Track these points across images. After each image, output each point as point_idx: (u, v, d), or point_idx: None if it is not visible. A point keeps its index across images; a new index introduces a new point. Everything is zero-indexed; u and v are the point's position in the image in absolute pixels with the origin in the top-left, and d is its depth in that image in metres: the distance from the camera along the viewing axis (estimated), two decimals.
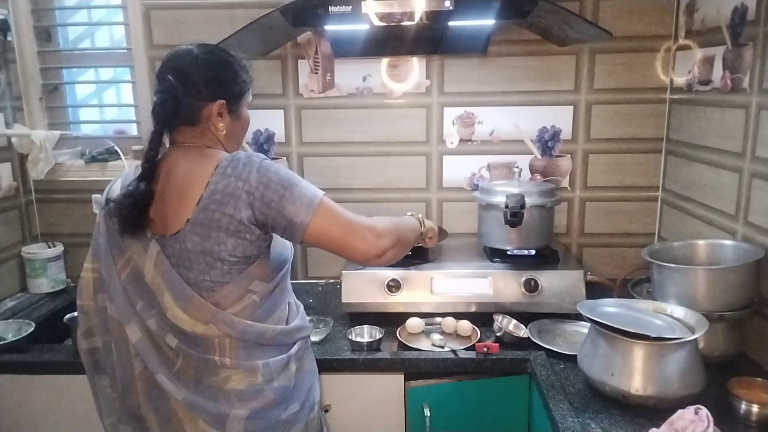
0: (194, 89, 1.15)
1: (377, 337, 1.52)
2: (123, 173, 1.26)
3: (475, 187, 2.01)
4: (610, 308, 1.31)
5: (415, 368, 1.48)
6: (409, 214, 1.41)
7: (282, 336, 1.21)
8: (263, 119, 2.01)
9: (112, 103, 2.30)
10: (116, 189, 1.20)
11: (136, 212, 1.11)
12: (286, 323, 1.24)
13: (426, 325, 1.61)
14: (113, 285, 1.16)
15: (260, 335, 1.17)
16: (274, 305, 1.21)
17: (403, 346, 1.52)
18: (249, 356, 1.16)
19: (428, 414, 1.47)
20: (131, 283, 1.16)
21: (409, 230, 1.32)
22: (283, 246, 1.24)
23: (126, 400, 1.19)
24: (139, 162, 1.16)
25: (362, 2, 1.50)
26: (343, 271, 1.69)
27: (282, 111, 2.01)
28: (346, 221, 1.14)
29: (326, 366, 1.47)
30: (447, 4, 1.51)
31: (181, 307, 1.12)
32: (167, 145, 1.21)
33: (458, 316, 1.62)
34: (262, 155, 1.15)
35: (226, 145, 1.22)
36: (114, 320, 1.17)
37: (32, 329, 1.62)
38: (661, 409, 1.12)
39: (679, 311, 1.27)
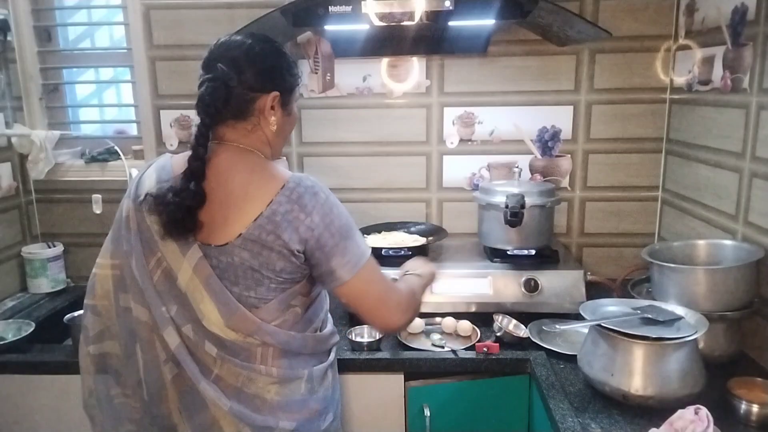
0: (248, 79, 1.07)
1: (377, 337, 1.52)
2: (155, 164, 1.15)
3: (475, 187, 2.01)
4: (610, 308, 1.31)
5: (415, 368, 1.47)
6: (407, 272, 1.34)
7: (321, 343, 1.19)
8: None
9: (112, 103, 2.30)
10: (147, 181, 1.11)
11: (187, 215, 1.03)
12: (320, 330, 1.20)
13: (426, 325, 1.61)
14: (146, 285, 1.08)
15: (303, 345, 1.14)
16: (314, 315, 1.18)
17: (403, 346, 1.52)
18: (291, 366, 1.12)
19: (428, 414, 1.47)
20: (163, 285, 1.08)
21: (421, 293, 1.29)
22: None
23: (154, 408, 1.11)
24: (168, 154, 1.11)
25: (362, 2, 1.50)
26: None
27: None
28: (381, 292, 1.14)
29: None
30: (447, 4, 1.51)
31: (224, 318, 1.06)
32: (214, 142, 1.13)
33: (458, 316, 1.62)
34: (325, 186, 1.10)
35: (273, 143, 1.15)
36: (142, 323, 1.09)
37: (32, 329, 1.62)
38: (661, 409, 1.12)
39: (680, 311, 1.27)
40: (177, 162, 1.13)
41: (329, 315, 1.27)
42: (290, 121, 1.19)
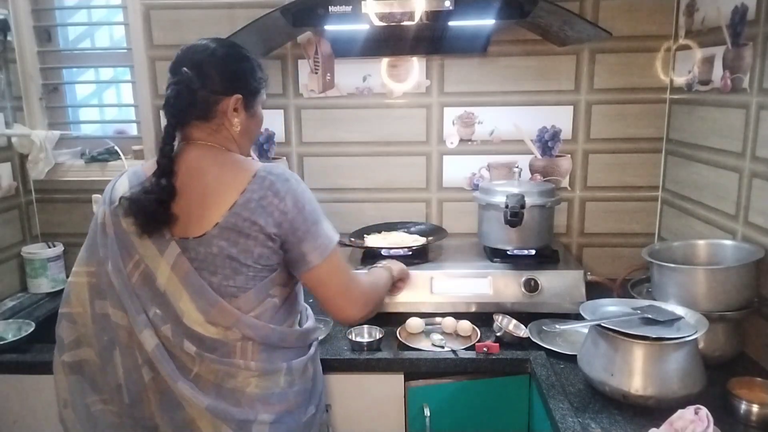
0: (211, 82, 1.12)
1: (377, 337, 1.52)
2: (127, 172, 1.20)
3: (475, 187, 2.01)
4: (610, 308, 1.31)
5: (415, 368, 1.47)
6: (380, 265, 1.47)
7: (301, 338, 1.21)
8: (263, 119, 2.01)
9: (112, 103, 2.31)
10: (121, 187, 1.15)
11: (160, 209, 1.07)
12: (300, 325, 1.24)
13: (426, 325, 1.61)
14: (123, 290, 1.10)
15: (282, 338, 1.16)
16: (292, 308, 1.21)
17: (403, 346, 1.52)
18: (270, 359, 1.14)
19: (428, 414, 1.47)
20: (142, 288, 1.10)
21: (384, 290, 1.42)
22: None
23: (136, 411, 1.13)
24: (141, 162, 1.15)
25: (362, 2, 1.50)
26: None
27: (282, 111, 2.01)
28: (344, 282, 1.19)
29: (326, 366, 1.47)
30: (447, 4, 1.51)
31: (201, 311, 1.08)
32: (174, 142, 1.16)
33: (458, 316, 1.62)
34: (295, 174, 1.16)
35: (240, 142, 1.20)
36: (122, 327, 1.11)
37: (32, 329, 1.62)
38: (661, 409, 1.12)
39: (680, 311, 1.27)
40: (148, 167, 1.18)
41: (310, 311, 1.31)
42: (255, 122, 1.24)
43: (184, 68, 1.11)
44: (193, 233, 1.08)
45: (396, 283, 1.54)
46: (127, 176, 1.19)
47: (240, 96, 1.16)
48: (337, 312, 1.19)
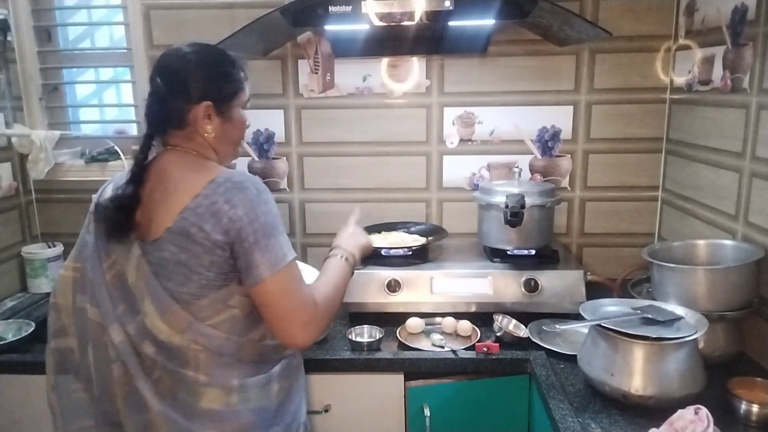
0: (180, 91, 1.11)
1: (377, 337, 1.52)
2: (116, 176, 1.23)
3: (475, 187, 2.01)
4: (610, 308, 1.31)
5: (415, 368, 1.47)
6: (339, 253, 1.28)
7: (264, 352, 1.17)
8: (263, 119, 2.01)
9: (112, 103, 2.31)
10: (108, 192, 1.18)
11: (122, 216, 1.09)
12: (272, 339, 1.17)
13: (426, 325, 1.61)
14: (98, 287, 1.13)
15: (239, 349, 1.12)
16: (258, 321, 1.15)
17: (403, 346, 1.52)
18: (225, 374, 1.11)
19: (428, 414, 1.47)
20: (115, 286, 1.13)
21: (343, 290, 1.23)
22: None
23: (103, 405, 1.16)
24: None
25: (362, 2, 1.50)
26: None
27: (282, 111, 2.01)
28: (292, 306, 1.08)
29: (326, 366, 1.47)
30: (447, 4, 1.51)
31: (159, 314, 1.08)
32: (162, 148, 1.18)
33: (458, 316, 1.62)
34: (258, 183, 1.10)
35: (218, 148, 1.18)
36: (94, 323, 1.14)
37: (32, 329, 1.61)
38: (661, 409, 1.12)
39: (680, 311, 1.27)
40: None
41: None
42: (233, 126, 1.19)
43: (157, 78, 1.13)
44: (150, 237, 1.09)
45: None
46: (113, 182, 1.21)
47: (209, 103, 1.13)
48: (284, 337, 1.10)
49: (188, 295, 1.09)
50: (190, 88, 1.12)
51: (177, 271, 1.08)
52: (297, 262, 1.13)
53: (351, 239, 1.35)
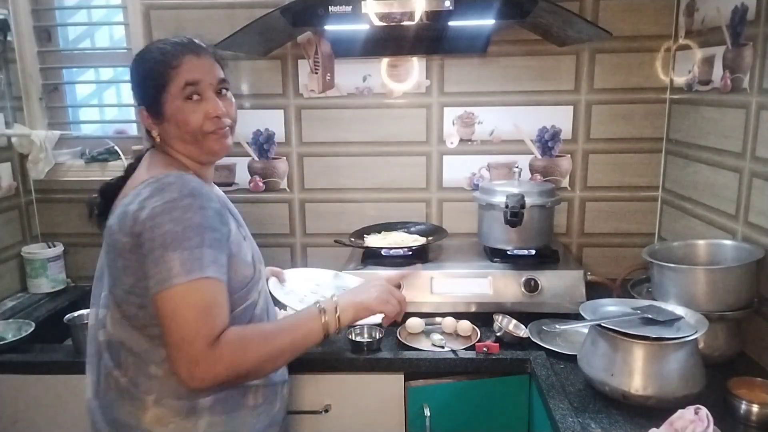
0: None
1: (377, 337, 1.52)
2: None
3: (475, 187, 2.01)
4: (610, 308, 1.31)
5: (415, 368, 1.47)
6: (316, 303, 1.11)
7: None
8: (263, 119, 2.01)
9: (112, 103, 2.30)
10: None
11: (98, 201, 1.15)
12: None
13: (426, 325, 1.61)
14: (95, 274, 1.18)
15: (164, 360, 1.02)
16: None
17: (403, 346, 1.52)
18: (145, 385, 1.04)
19: (428, 414, 1.46)
20: (96, 272, 1.16)
21: (290, 343, 1.03)
22: (243, 280, 1.08)
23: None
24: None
25: (362, 2, 1.50)
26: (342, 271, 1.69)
27: (282, 111, 2.01)
28: (181, 332, 0.93)
29: (326, 366, 1.47)
30: (447, 4, 1.51)
31: (105, 306, 1.10)
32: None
33: (458, 316, 1.62)
34: (191, 188, 1.00)
35: (176, 147, 1.11)
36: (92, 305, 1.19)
37: (32, 329, 1.61)
38: (661, 409, 1.12)
39: (680, 311, 1.27)
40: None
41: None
42: (175, 122, 1.08)
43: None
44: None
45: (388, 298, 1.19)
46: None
47: (142, 107, 1.11)
48: (173, 369, 0.95)
49: (119, 296, 1.06)
50: (133, 96, 1.17)
51: (107, 272, 1.08)
52: (214, 284, 0.96)
53: (352, 292, 1.20)
